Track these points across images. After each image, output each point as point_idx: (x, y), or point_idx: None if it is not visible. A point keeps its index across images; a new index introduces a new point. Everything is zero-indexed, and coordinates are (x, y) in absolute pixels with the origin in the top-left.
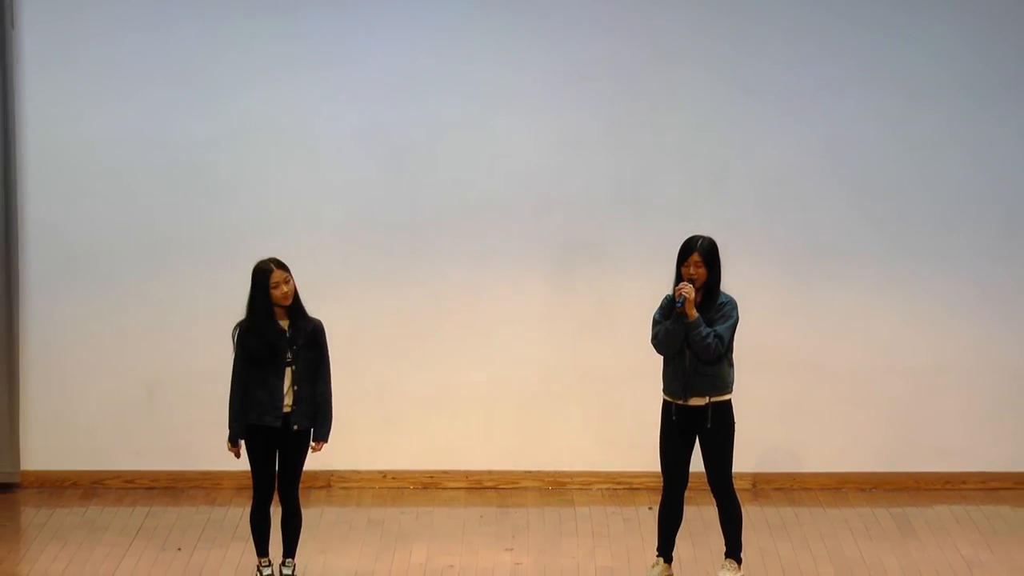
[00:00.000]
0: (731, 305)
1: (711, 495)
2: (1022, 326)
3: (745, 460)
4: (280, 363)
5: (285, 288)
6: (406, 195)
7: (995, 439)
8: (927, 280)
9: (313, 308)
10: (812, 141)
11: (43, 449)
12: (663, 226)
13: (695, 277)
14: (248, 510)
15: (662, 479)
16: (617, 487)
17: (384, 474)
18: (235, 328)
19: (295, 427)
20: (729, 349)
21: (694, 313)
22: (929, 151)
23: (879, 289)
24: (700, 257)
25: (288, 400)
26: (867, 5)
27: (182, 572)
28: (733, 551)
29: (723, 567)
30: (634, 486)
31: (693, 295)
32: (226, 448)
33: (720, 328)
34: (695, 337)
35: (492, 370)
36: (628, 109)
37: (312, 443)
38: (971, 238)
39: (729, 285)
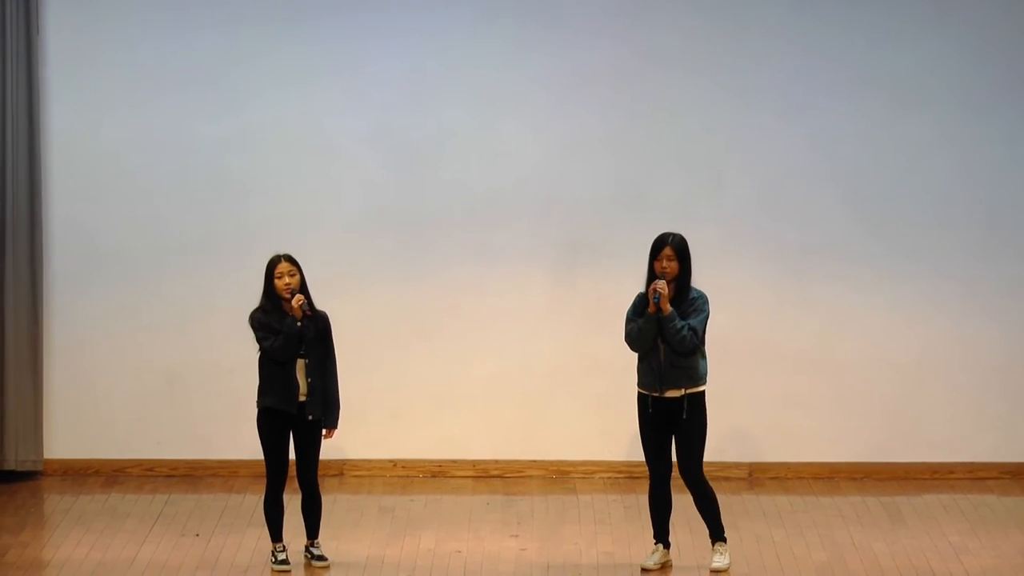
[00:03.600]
0: (702, 299)
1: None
2: (1007, 321)
3: (741, 450)
4: (294, 353)
5: (288, 280)
6: (414, 195)
7: (981, 430)
8: (916, 277)
9: (324, 303)
10: (806, 143)
11: (66, 438)
12: (663, 225)
13: (667, 270)
14: (263, 497)
15: (648, 469)
16: (618, 476)
17: (394, 463)
18: (251, 318)
19: (309, 416)
20: (702, 341)
21: (668, 308)
22: (918, 152)
23: (870, 286)
24: (672, 251)
25: (303, 389)
26: (860, 12)
27: (200, 557)
28: (718, 533)
29: (715, 551)
30: (634, 475)
31: (667, 291)
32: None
33: (693, 321)
34: (670, 330)
35: (498, 363)
36: (629, 112)
37: (324, 431)
38: (958, 236)
39: (726, 282)
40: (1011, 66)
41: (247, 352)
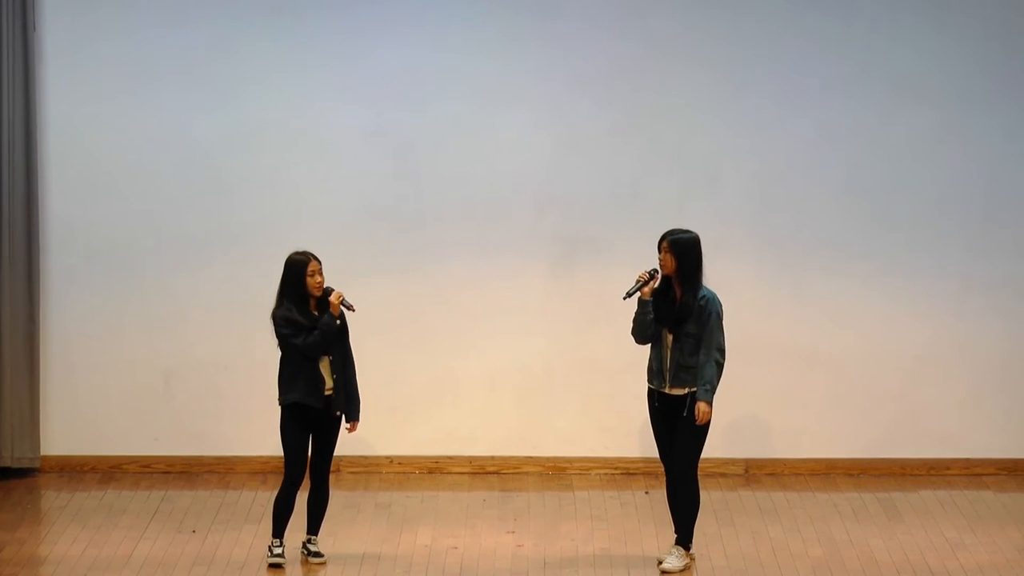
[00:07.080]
0: (712, 302)
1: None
2: (1004, 317)
3: (738, 446)
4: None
5: (320, 278)
6: (411, 190)
7: (978, 426)
8: (914, 272)
9: None
10: (805, 137)
11: (63, 435)
12: (660, 220)
13: (663, 263)
14: (267, 492)
15: (662, 465)
16: (614, 472)
17: (391, 459)
18: (276, 317)
19: (336, 412)
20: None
21: (647, 293)
22: (917, 147)
23: (868, 281)
24: (668, 245)
25: (329, 385)
26: (859, 5)
27: (196, 553)
28: (683, 539)
29: (670, 552)
30: (631, 471)
31: (646, 277)
32: (240, 427)
33: (716, 342)
34: (637, 316)
35: (494, 360)
36: (626, 107)
37: (346, 424)
38: (957, 231)
39: (723, 278)
40: (1011, 60)
41: (243, 348)
